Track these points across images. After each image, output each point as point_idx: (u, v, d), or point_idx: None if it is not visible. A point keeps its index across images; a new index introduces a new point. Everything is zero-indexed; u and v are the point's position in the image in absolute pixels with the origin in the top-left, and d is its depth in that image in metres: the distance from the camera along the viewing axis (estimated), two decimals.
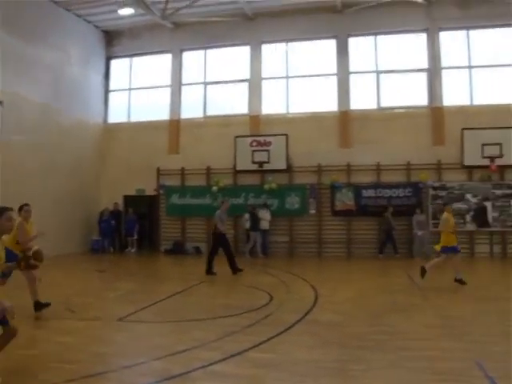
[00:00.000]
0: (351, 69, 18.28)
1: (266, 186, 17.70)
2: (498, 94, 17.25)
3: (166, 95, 19.84)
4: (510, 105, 17.14)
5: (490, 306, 8.62)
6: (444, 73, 17.77)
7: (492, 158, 16.51)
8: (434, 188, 16.97)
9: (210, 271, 12.45)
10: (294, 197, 17.70)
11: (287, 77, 18.77)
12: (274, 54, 19.16)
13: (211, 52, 19.72)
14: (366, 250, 17.24)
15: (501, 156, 16.48)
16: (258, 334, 6.46)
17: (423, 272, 10.91)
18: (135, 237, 18.95)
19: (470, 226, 16.78)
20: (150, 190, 19.18)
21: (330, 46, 18.61)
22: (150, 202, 19.51)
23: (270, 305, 8.58)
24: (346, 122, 17.93)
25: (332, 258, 17.09)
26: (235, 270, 12.52)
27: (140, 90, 20.16)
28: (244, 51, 19.29)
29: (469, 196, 16.79)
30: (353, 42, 18.50)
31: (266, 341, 6.18)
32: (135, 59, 20.47)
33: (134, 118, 20.11)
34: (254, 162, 17.80)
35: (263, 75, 19.00)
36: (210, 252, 12.95)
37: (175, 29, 19.38)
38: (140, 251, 19.00)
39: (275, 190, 17.66)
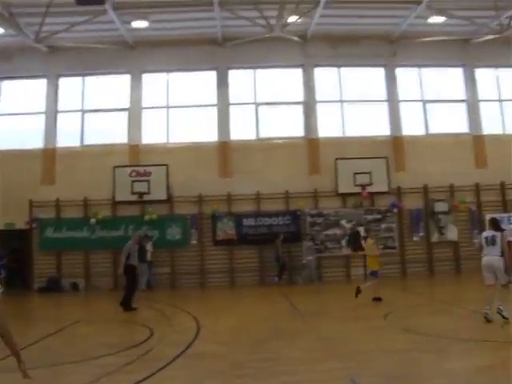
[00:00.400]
0: (231, 100, 18.71)
1: (147, 217, 17.27)
2: (367, 127, 18.71)
3: (40, 122, 18.68)
4: (377, 136, 18.66)
5: (364, 325, 9.08)
6: (318, 106, 18.87)
7: (363, 186, 17.72)
8: (312, 215, 17.74)
9: (128, 307, 11.72)
10: (175, 227, 17.48)
11: (168, 107, 18.69)
12: (154, 83, 19.02)
13: (90, 79, 19.08)
14: (248, 278, 17.44)
15: (371, 184, 17.77)
16: (138, 372, 6.15)
17: (377, 299, 11.69)
18: (2, 275, 17.38)
19: (346, 250, 17.71)
20: (21, 224, 17.81)
21: (210, 77, 18.91)
22: (22, 236, 18.07)
23: (150, 340, 8.25)
24: (226, 152, 18.23)
25: (215, 287, 17.05)
26: (129, 307, 11.73)
27: (10, 116, 18.74)
28: (124, 80, 18.89)
29: (343, 222, 17.79)
30: (233, 74, 18.99)
31: (145, 378, 5.89)
32: (6, 82, 19.08)
33: (4, 146, 18.60)
34: (133, 193, 17.34)
35: (143, 104, 18.74)
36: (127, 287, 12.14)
37: (51, 53, 18.35)
38: (9, 291, 17.38)
39: (156, 220, 17.30)
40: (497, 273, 8.59)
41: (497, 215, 17.94)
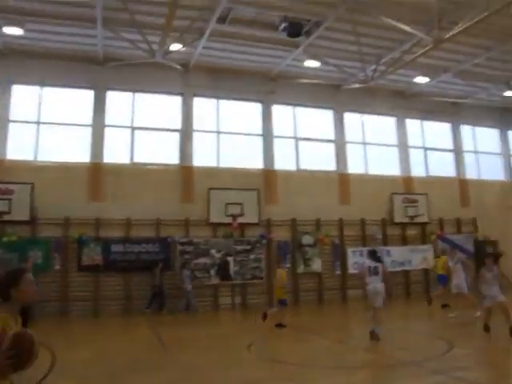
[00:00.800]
0: (107, 122, 18.13)
1: (5, 239, 15.90)
2: (242, 159, 19.25)
3: None
4: (251, 169, 19.26)
5: (227, 355, 9.20)
6: (195, 135, 19.01)
7: (234, 216, 18.03)
8: (182, 243, 17.60)
9: None
10: (37, 251, 16.25)
11: (38, 122, 17.57)
12: (25, 96, 17.83)
13: None
14: (114, 307, 16.75)
15: (242, 215, 18.14)
16: None
17: (280, 325, 12.26)
18: None
19: (214, 280, 17.82)
20: None
21: (87, 96, 18.24)
22: None
23: None
24: (97, 174, 17.52)
25: (78, 316, 16.10)
26: None
27: None
28: None
29: (213, 251, 17.89)
30: (111, 95, 18.49)
31: None
32: None
33: None
34: None
35: (11, 117, 17.42)
36: None
37: None
38: None
39: (16, 243, 15.94)
40: (379, 297, 10.01)
41: (358, 249, 19.57)
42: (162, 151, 18.56)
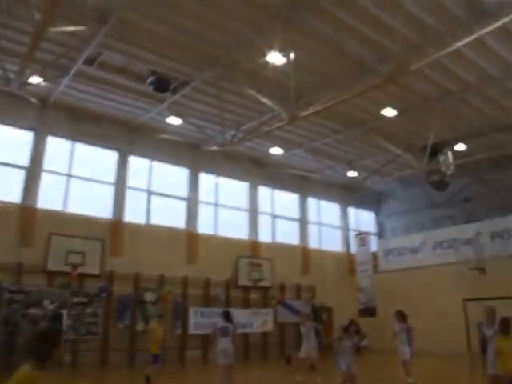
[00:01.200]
0: None
1: None
2: (90, 206, 18.37)
3: None
4: (98, 218, 18.50)
5: None
6: (43, 175, 17.74)
7: (74, 266, 16.94)
8: (11, 291, 15.76)
9: None
10: None
11: None
12: None
13: None
14: None
15: (82, 264, 17.12)
16: None
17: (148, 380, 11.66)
18: None
19: None
20: None
21: None
22: None
23: None
24: None
25: None
26: None
27: None
28: None
29: (46, 302, 16.26)
30: None
31: None
32: None
33: None
34: None
35: None
36: None
37: None
38: None
39: None
40: (229, 357, 10.09)
41: (200, 309, 19.48)
42: (2, 187, 16.88)
